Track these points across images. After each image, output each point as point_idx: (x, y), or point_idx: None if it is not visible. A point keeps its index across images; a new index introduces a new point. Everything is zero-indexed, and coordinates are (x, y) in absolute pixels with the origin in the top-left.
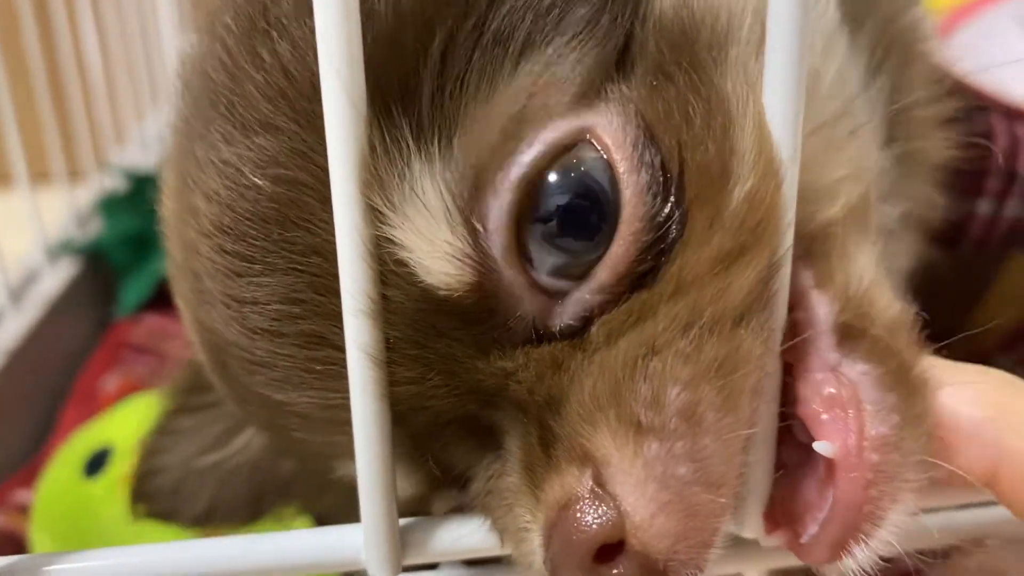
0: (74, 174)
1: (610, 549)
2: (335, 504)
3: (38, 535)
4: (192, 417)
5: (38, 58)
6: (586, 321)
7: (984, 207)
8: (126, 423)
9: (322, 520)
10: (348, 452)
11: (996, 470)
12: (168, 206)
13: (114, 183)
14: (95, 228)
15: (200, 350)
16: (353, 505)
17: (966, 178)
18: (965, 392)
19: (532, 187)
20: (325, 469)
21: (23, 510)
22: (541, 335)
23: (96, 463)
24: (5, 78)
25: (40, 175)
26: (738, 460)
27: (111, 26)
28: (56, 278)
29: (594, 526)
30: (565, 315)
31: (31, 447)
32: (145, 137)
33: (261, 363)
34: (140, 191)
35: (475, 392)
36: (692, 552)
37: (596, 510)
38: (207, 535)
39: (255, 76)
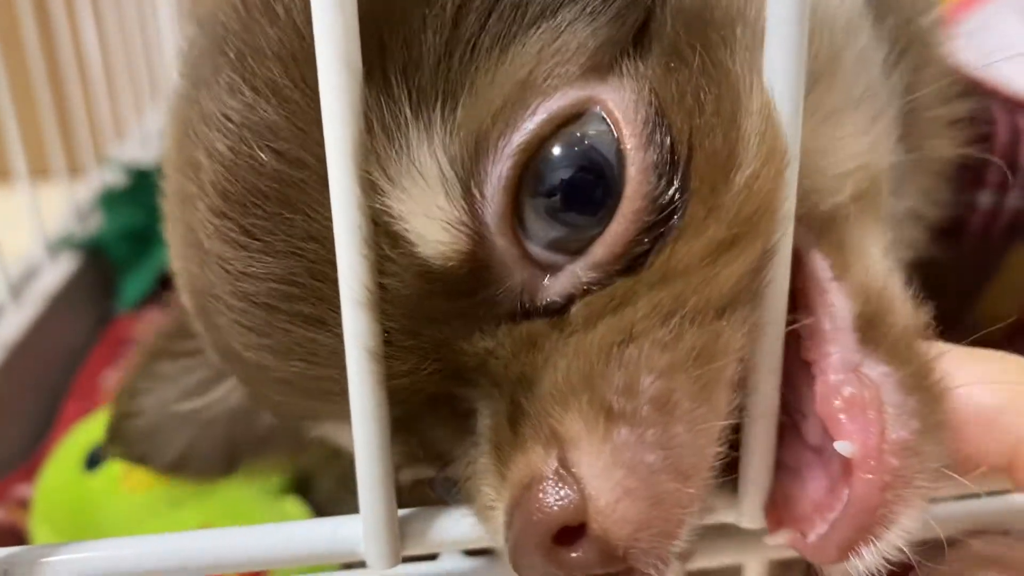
0: (74, 170)
1: (571, 532)
2: (314, 464)
3: (39, 529)
4: (173, 363)
5: (38, 55)
6: (569, 299)
7: (985, 199)
8: None
9: (303, 483)
10: (326, 416)
11: (1013, 457)
12: (170, 153)
13: (114, 178)
14: (95, 224)
15: (187, 300)
16: (349, 492)
17: (967, 171)
18: (979, 380)
19: (533, 155)
20: (300, 427)
21: (24, 504)
22: (526, 310)
23: (96, 457)
24: (5, 75)
25: (40, 171)
26: (711, 452)
27: (110, 22)
28: (56, 273)
29: (555, 507)
30: (552, 290)
31: (32, 442)
32: (145, 133)
33: (252, 329)
34: (140, 186)
35: (458, 372)
36: (654, 541)
37: (559, 491)
38: (183, 483)
39: (267, 30)
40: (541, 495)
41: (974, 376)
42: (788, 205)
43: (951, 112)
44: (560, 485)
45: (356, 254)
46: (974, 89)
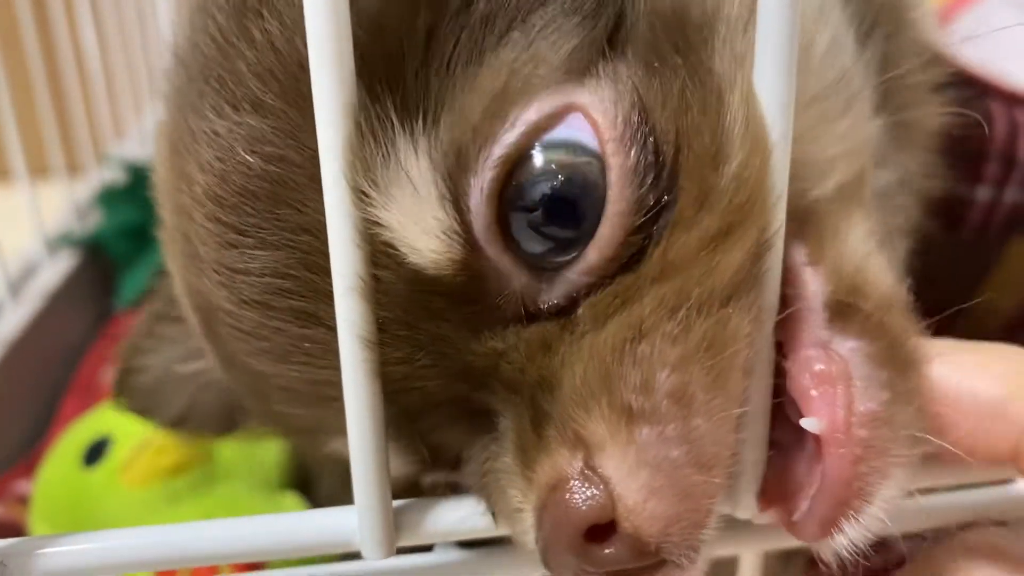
0: (73, 168)
1: (602, 529)
2: (313, 461)
3: (38, 524)
4: (176, 326)
5: (36, 53)
6: (573, 300)
7: (983, 193)
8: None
9: (302, 480)
10: (333, 427)
11: (1020, 447)
12: (161, 171)
13: (113, 175)
14: (94, 221)
15: (189, 313)
16: (348, 489)
17: (965, 164)
18: (980, 369)
19: (514, 166)
20: (312, 443)
21: (23, 500)
22: (531, 314)
23: (95, 452)
24: (4, 74)
25: (39, 170)
26: (730, 439)
27: (109, 20)
28: (56, 271)
29: (584, 507)
30: (552, 294)
31: (31, 438)
32: (144, 131)
33: (250, 333)
34: (139, 183)
35: (466, 373)
36: (685, 534)
37: (587, 491)
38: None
39: (245, 54)
40: (568, 495)
41: (970, 367)
42: (780, 192)
43: (931, 77)
44: (587, 485)
45: (349, 241)
46: (963, 73)
